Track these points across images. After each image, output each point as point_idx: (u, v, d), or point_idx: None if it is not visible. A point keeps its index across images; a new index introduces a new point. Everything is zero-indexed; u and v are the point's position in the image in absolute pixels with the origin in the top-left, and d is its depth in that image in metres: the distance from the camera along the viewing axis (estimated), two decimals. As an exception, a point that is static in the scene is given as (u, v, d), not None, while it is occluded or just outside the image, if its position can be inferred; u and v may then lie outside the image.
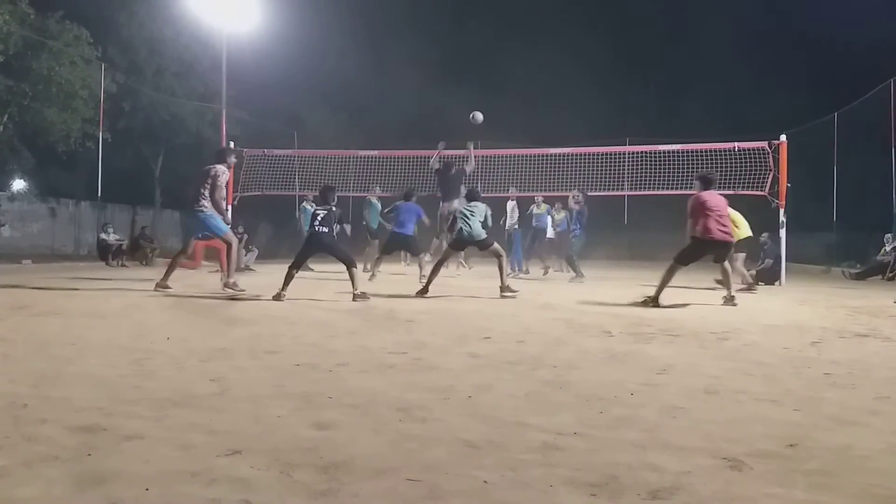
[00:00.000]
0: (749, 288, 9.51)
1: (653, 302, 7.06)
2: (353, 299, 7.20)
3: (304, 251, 7.73)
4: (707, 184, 7.64)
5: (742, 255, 9.96)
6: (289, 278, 7.35)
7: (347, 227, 13.03)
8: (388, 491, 1.87)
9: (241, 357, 3.86)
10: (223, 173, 7.98)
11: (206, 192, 7.85)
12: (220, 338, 4.57)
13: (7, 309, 6.01)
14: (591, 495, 1.85)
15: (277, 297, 7.10)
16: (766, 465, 2.12)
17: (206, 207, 7.87)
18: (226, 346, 4.22)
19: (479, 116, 11.46)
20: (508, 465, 2.09)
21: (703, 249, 7.47)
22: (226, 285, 7.88)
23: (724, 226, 7.42)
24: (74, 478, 1.92)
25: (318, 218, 7.47)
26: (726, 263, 7.59)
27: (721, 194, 7.77)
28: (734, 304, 7.23)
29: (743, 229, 9.82)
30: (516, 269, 13.54)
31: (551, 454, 2.20)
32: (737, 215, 9.69)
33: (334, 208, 7.63)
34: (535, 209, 14.77)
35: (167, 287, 7.82)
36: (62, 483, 1.89)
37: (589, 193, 14.42)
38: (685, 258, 7.43)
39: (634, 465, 2.10)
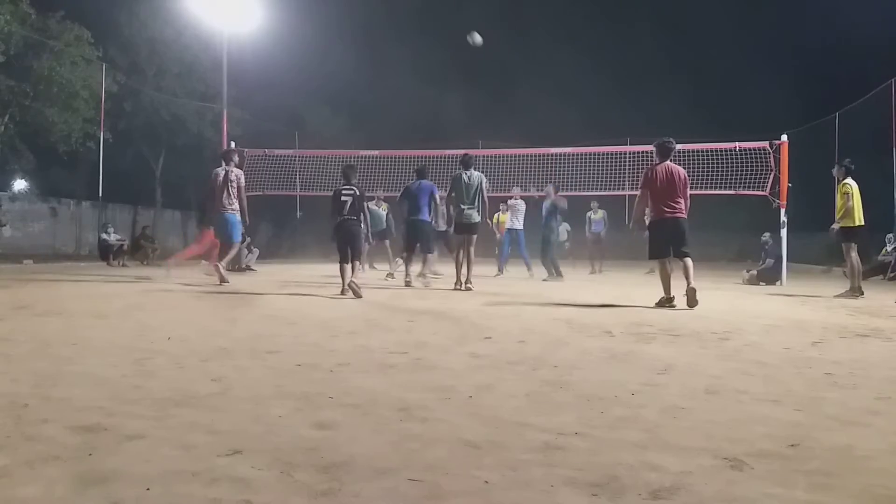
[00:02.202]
0: (853, 291, 8.59)
1: (668, 301, 6.96)
2: (342, 292, 7.38)
3: (341, 243, 7.87)
4: (664, 153, 7.16)
5: (855, 246, 8.91)
6: (343, 272, 7.66)
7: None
8: (389, 491, 1.87)
9: (241, 357, 3.86)
10: (242, 174, 9.26)
11: (233, 195, 8.88)
12: (220, 338, 4.57)
13: (8, 309, 6.02)
14: (591, 495, 1.85)
15: (344, 292, 7.48)
16: (767, 465, 2.12)
17: (235, 210, 8.93)
18: (227, 345, 4.22)
19: (478, 38, 11.73)
20: (509, 464, 2.09)
21: (661, 231, 7.11)
22: (207, 273, 8.77)
23: (675, 204, 7.00)
24: (75, 477, 1.93)
25: (347, 206, 7.76)
26: (688, 260, 7.09)
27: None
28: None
29: (857, 214, 8.76)
30: (512, 268, 13.40)
31: (552, 454, 2.20)
32: (857, 195, 8.74)
33: (357, 191, 7.88)
34: (592, 215, 14.73)
35: (226, 281, 8.72)
36: (63, 483, 1.89)
37: (590, 193, 14.44)
38: (654, 251, 7.19)
39: (635, 465, 2.09)
